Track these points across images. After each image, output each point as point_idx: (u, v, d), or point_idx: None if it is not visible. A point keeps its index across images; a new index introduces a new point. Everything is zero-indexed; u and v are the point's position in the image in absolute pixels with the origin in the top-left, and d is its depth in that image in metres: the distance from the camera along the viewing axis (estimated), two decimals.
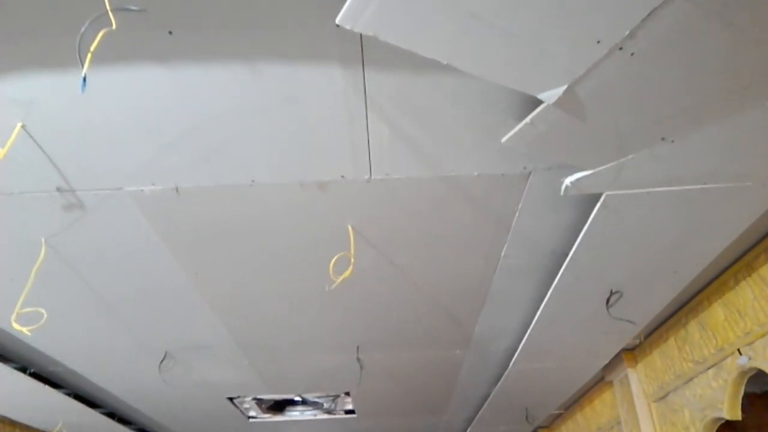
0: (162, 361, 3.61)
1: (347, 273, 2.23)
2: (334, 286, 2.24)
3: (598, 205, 1.98)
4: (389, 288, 2.85)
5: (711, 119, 1.61)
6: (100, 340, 3.34)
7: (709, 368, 2.95)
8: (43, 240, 2.29)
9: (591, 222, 2.09)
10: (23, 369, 3.67)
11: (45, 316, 2.24)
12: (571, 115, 1.55)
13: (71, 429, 4.79)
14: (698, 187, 1.89)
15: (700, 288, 2.94)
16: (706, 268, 2.46)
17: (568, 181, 1.87)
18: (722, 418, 2.89)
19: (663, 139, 1.68)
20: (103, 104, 1.69)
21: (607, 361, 3.64)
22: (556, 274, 2.51)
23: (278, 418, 5.32)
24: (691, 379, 3.12)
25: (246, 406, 4.95)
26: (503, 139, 1.66)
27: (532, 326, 3.03)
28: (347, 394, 4.70)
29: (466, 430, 5.64)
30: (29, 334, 2.23)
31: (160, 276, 2.65)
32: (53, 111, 1.71)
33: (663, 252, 2.32)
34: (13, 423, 4.65)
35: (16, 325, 2.13)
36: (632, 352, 3.76)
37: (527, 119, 1.57)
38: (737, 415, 2.79)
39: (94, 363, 3.73)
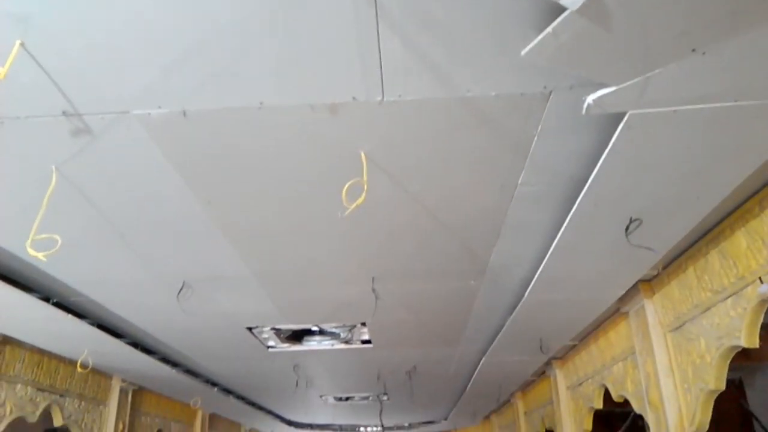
0: (180, 291, 3.66)
1: (360, 200, 2.19)
2: (347, 213, 2.20)
3: (621, 125, 1.90)
4: (403, 216, 2.82)
5: (746, 27, 1.50)
6: (117, 269, 3.39)
7: (728, 297, 2.92)
8: (53, 168, 2.27)
9: (613, 144, 2.01)
10: (46, 299, 3.75)
11: (59, 242, 2.24)
12: (596, 23, 1.45)
13: (96, 358, 4.96)
14: (728, 104, 1.79)
15: (723, 216, 2.86)
16: (730, 195, 2.38)
17: (590, 98, 1.78)
18: (739, 346, 2.87)
19: (693, 50, 1.57)
20: (103, 19, 1.62)
21: (624, 291, 3.62)
22: (575, 201, 2.44)
23: (296, 347, 5.45)
24: (709, 308, 3.10)
25: (265, 335, 5.07)
26: (523, 52, 1.57)
27: (548, 255, 2.99)
28: (363, 324, 4.78)
29: (480, 360, 5.74)
30: (44, 260, 2.24)
31: (172, 204, 2.63)
32: (52, 27, 1.64)
33: (687, 177, 2.24)
34: (41, 351, 4.82)
35: (31, 251, 2.14)
36: (649, 283, 3.73)
37: (549, 29, 1.48)
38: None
39: (113, 293, 3.81)
